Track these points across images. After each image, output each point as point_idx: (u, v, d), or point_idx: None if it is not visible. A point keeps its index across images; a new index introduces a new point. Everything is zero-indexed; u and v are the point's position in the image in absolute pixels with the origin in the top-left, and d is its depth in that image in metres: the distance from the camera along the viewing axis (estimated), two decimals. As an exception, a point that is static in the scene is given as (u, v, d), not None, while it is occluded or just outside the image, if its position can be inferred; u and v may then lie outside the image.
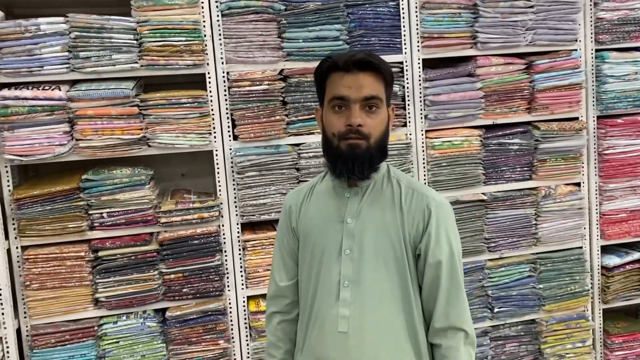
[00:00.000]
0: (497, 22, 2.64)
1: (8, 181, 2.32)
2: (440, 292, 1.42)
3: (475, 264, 2.74)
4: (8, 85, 2.28)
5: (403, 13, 2.58)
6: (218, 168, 2.48)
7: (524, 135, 2.75)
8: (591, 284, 2.90)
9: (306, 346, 1.50)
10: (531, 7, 2.67)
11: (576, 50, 2.77)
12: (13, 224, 2.32)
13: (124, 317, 2.43)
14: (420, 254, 1.44)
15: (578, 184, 2.85)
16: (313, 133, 2.52)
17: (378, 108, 1.40)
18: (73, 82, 2.36)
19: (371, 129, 1.39)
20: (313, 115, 2.51)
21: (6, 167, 2.31)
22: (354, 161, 1.39)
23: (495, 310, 2.75)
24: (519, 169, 2.77)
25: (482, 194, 2.72)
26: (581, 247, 2.87)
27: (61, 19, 2.29)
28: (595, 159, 2.86)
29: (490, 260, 2.77)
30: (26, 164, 2.44)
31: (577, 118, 2.82)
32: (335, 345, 1.42)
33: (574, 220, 2.83)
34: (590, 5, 2.78)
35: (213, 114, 2.45)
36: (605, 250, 2.95)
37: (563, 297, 2.83)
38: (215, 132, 2.46)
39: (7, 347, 2.30)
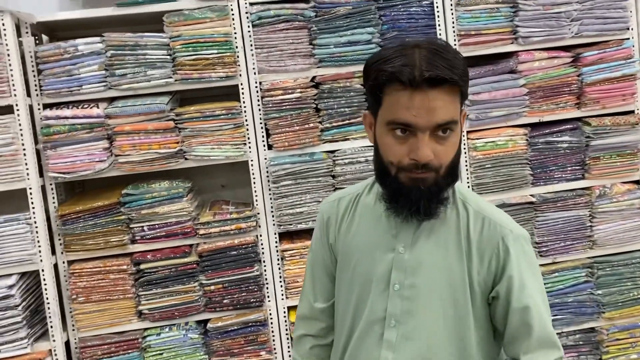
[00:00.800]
0: (538, 15, 2.52)
1: (53, 198, 2.40)
2: (531, 339, 1.18)
3: (526, 270, 2.60)
4: (50, 106, 2.37)
5: (438, 12, 2.50)
6: (254, 178, 2.48)
7: (574, 132, 2.60)
8: (657, 288, 2.69)
9: None
10: (576, -4, 2.54)
11: (628, 39, 2.60)
12: (59, 239, 2.40)
13: (167, 329, 2.45)
14: (498, 298, 1.20)
15: (637, 182, 2.67)
16: (348, 139, 2.48)
17: (452, 132, 1.13)
18: (111, 100, 2.43)
19: (442, 159, 1.12)
20: (347, 122, 2.46)
21: (51, 184, 2.39)
22: (418, 200, 1.13)
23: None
24: (569, 168, 2.61)
25: (531, 195, 2.59)
26: (643, 250, 2.68)
27: (97, 38, 2.35)
28: (655, 155, 2.67)
29: (542, 265, 2.62)
30: (72, 181, 2.52)
31: (632, 112, 2.64)
32: None
33: (633, 220, 2.64)
34: (642, -10, 2.61)
35: (247, 125, 2.45)
36: (672, 252, 2.74)
37: (625, 304, 2.64)
38: (249, 142, 2.46)
39: (57, 359, 2.37)
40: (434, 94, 1.09)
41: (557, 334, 2.69)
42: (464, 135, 2.55)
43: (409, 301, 1.21)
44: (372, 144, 1.23)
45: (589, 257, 2.64)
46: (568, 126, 2.60)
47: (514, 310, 1.19)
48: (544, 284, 2.63)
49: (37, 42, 2.50)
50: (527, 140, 2.57)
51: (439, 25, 2.50)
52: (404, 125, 1.11)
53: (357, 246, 1.27)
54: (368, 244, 1.26)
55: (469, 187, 2.56)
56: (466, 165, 2.56)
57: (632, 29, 2.61)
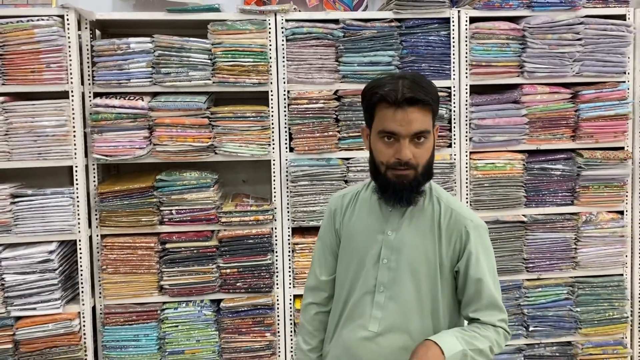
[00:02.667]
0: (544, 53, 2.78)
1: (94, 177, 2.67)
2: (481, 302, 1.53)
3: (513, 283, 2.85)
4: (100, 95, 2.65)
5: (453, 42, 2.77)
6: (274, 176, 2.74)
7: (567, 161, 2.85)
8: (631, 311, 2.93)
9: (336, 337, 1.65)
10: (579, 39, 2.79)
11: (624, 82, 2.85)
12: (95, 214, 2.67)
13: (184, 304, 2.71)
14: (459, 272, 1.55)
15: (621, 212, 2.91)
16: (362, 149, 2.74)
17: (426, 139, 1.48)
18: (154, 94, 2.70)
19: (419, 159, 1.48)
20: (363, 133, 2.73)
21: (94, 165, 2.67)
22: (402, 191, 1.48)
23: (531, 329, 2.85)
24: (560, 194, 2.86)
25: (523, 215, 2.84)
26: (622, 275, 2.92)
27: (148, 39, 2.63)
28: (640, 189, 2.92)
29: (527, 280, 2.87)
30: (109, 163, 2.79)
31: (622, 148, 2.89)
32: (365, 342, 1.56)
33: (615, 247, 2.89)
34: (641, 39, 2.87)
35: (273, 128, 2.72)
36: (648, 279, 2.99)
37: (601, 322, 2.89)
38: (274, 144, 2.73)
39: (84, 321, 2.63)
40: (411, 110, 1.45)
41: (537, 344, 2.95)
42: (466, 156, 2.81)
43: (394, 271, 1.55)
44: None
45: (571, 277, 2.89)
46: (562, 156, 2.86)
47: (470, 280, 1.53)
48: (528, 297, 2.91)
49: (91, 36, 2.77)
50: (524, 164, 2.82)
51: (453, 54, 2.77)
52: (390, 134, 1.47)
53: (357, 230, 1.63)
54: (365, 229, 1.61)
55: (467, 202, 2.82)
56: (466, 183, 2.82)
57: (628, 73, 2.87)
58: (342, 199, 1.70)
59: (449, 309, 1.58)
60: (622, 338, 2.92)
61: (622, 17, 2.85)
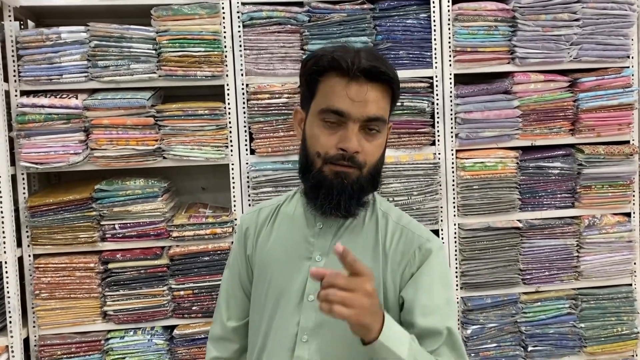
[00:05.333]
0: (537, 36, 2.45)
1: (24, 188, 2.31)
2: (437, 341, 1.10)
3: (508, 297, 2.52)
4: (28, 93, 2.29)
5: (434, 25, 2.44)
6: (234, 182, 2.40)
7: (566, 158, 2.53)
8: (641, 326, 2.62)
9: None
10: (577, 20, 2.47)
11: (628, 67, 2.54)
12: (26, 231, 2.32)
13: (132, 333, 2.36)
14: (404, 303, 1.15)
15: (628, 214, 2.59)
16: (333, 149, 2.41)
17: (379, 132, 1.14)
18: (91, 91, 2.35)
19: (367, 156, 1.12)
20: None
21: (22, 174, 2.31)
22: (340, 194, 1.11)
23: (529, 349, 2.52)
24: (559, 196, 2.54)
25: (518, 220, 2.51)
26: (630, 285, 2.60)
27: (82, 27, 2.28)
28: (648, 188, 2.60)
29: (525, 293, 2.54)
30: (50, 172, 2.43)
31: (627, 142, 2.57)
32: None
33: (622, 254, 2.57)
34: (645, 19, 2.56)
35: (230, 127, 2.38)
36: (659, 289, 2.67)
37: (608, 339, 2.57)
38: (231, 145, 2.38)
39: (13, 356, 2.27)
40: (370, 87, 1.10)
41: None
42: (452, 154, 2.48)
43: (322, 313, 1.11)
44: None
45: (573, 289, 2.57)
46: (560, 152, 2.53)
47: (421, 330, 1.11)
48: (526, 313, 2.57)
49: (22, 27, 2.42)
50: (517, 163, 2.50)
51: (434, 39, 2.44)
52: (337, 114, 1.11)
53: (274, 258, 1.22)
54: (284, 255, 1.21)
55: (454, 207, 2.48)
56: (453, 185, 2.49)
57: (632, 58, 2.55)
58: (258, 214, 1.30)
59: None
60: (632, 356, 2.60)
61: (624, -6, 2.54)
